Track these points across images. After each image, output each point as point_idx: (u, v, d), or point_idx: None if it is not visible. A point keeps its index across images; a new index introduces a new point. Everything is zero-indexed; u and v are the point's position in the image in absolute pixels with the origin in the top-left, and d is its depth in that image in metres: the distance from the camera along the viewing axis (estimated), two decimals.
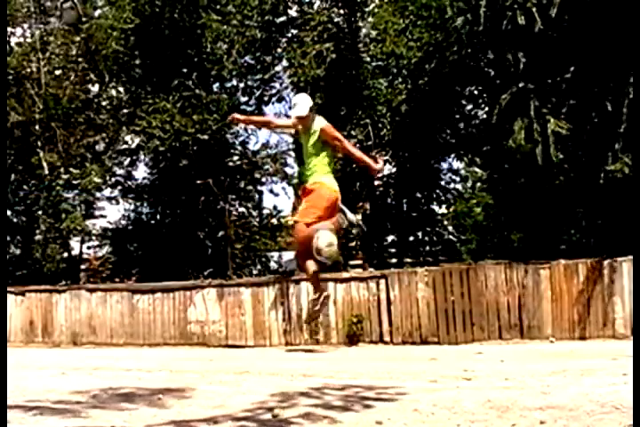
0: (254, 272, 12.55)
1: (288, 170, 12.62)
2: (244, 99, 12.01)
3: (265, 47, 11.05)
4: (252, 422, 2.36)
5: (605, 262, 5.94)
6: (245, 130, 12.58)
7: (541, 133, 7.44)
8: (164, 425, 2.36)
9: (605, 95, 7.35)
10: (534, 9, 7.32)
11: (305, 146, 5.64)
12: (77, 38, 12.47)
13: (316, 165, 5.50)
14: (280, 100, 11.83)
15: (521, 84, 7.66)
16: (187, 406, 2.70)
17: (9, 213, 12.97)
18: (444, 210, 12.58)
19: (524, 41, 7.62)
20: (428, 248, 11.86)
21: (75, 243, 13.34)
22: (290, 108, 11.67)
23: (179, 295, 7.42)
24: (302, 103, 5.60)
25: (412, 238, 11.69)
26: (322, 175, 5.47)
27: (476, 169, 12.70)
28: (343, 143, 5.58)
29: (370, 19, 10.96)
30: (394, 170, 11.51)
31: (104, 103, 13.04)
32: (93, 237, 13.59)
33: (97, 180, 12.01)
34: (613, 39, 7.17)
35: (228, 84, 12.01)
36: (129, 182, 13.16)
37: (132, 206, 13.08)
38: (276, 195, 13.23)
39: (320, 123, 5.57)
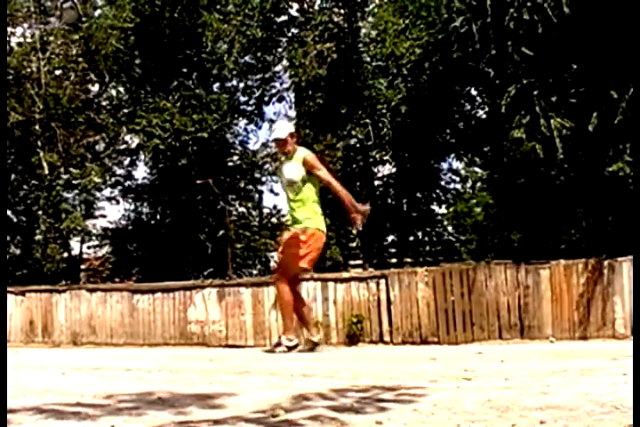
0: (254, 272, 12.56)
1: None
2: (243, 98, 12.03)
3: (265, 47, 11.07)
4: (253, 421, 2.35)
5: (605, 262, 5.94)
6: (245, 129, 12.61)
7: (545, 128, 7.44)
8: (164, 425, 2.36)
9: (607, 94, 7.34)
10: (537, 9, 7.33)
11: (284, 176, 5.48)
12: (77, 38, 12.47)
13: (301, 199, 5.34)
14: (280, 100, 11.85)
15: (525, 81, 7.66)
16: (187, 405, 2.70)
17: (9, 213, 12.96)
18: (443, 210, 12.60)
19: (527, 38, 7.62)
20: (428, 248, 11.89)
21: (75, 243, 13.36)
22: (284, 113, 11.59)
23: (179, 295, 7.42)
24: (280, 127, 5.57)
25: (412, 238, 11.71)
26: (309, 214, 5.33)
27: (476, 169, 12.72)
28: (325, 175, 5.36)
29: (370, 19, 10.98)
30: (394, 170, 11.53)
31: (104, 103, 13.05)
32: (93, 237, 13.60)
33: (97, 180, 12.03)
34: (616, 37, 7.17)
35: (228, 84, 12.03)
36: (129, 182, 13.18)
37: (132, 206, 13.10)
38: (276, 194, 13.24)
39: (303, 152, 5.48)
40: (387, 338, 6.43)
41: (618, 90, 7.25)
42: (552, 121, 7.39)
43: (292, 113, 12.12)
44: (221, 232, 11.92)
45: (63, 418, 2.49)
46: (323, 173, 5.41)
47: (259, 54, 11.25)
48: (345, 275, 6.94)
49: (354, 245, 11.99)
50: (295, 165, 5.38)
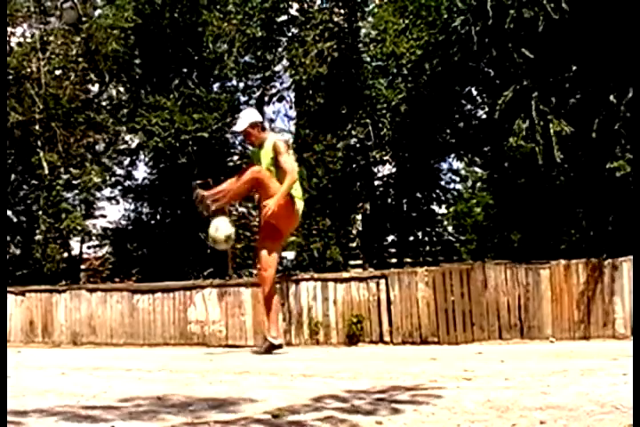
0: (254, 272, 12.53)
1: None
2: (244, 98, 12.02)
3: (265, 46, 11.05)
4: (253, 421, 2.36)
5: (605, 262, 5.95)
6: None
7: (543, 133, 7.44)
8: (165, 426, 2.36)
9: (608, 94, 7.34)
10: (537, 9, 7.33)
11: (258, 164, 5.45)
12: (77, 38, 12.46)
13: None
14: (280, 99, 11.82)
15: (524, 83, 7.66)
16: (187, 405, 2.70)
17: (9, 213, 12.95)
18: (443, 210, 12.58)
19: (527, 38, 7.62)
20: (428, 248, 11.86)
21: (75, 243, 13.33)
22: (290, 107, 11.62)
23: (179, 295, 7.42)
24: (242, 118, 5.47)
25: (412, 238, 11.68)
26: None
27: (476, 169, 12.71)
28: (285, 163, 5.23)
29: (370, 19, 10.97)
30: (394, 170, 11.51)
31: (104, 103, 13.03)
32: (93, 237, 13.58)
33: (97, 180, 12.02)
34: (616, 37, 7.17)
35: (229, 84, 12.02)
36: (129, 182, 13.15)
37: (132, 206, 13.08)
38: None
39: (272, 138, 5.39)
40: (387, 338, 6.44)
41: (617, 92, 7.25)
42: (551, 125, 7.39)
43: (293, 113, 12.13)
44: None
45: (63, 418, 2.49)
46: (284, 158, 5.26)
47: (259, 54, 11.24)
48: (345, 275, 6.94)
49: (354, 245, 11.97)
50: (269, 151, 5.33)
